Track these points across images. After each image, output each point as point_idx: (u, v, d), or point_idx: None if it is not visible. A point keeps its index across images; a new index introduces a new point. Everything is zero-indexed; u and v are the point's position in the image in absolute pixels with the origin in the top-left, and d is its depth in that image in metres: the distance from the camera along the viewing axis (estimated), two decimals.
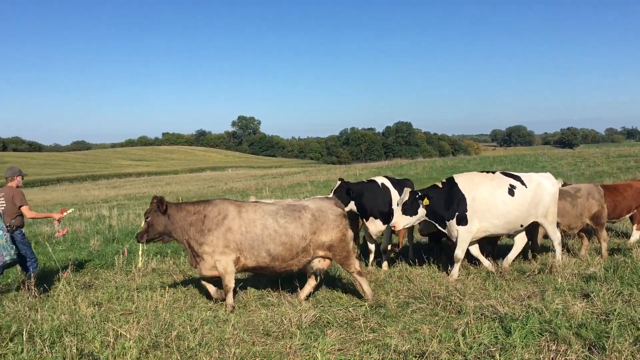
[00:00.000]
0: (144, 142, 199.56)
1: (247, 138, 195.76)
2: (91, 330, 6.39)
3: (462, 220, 9.01)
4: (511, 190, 9.07)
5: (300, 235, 7.64)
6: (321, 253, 7.84)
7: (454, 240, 9.17)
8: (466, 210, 8.97)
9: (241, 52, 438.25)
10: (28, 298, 8.25)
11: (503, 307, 6.74)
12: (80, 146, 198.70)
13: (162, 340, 5.99)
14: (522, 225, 9.37)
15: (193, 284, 8.91)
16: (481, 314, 6.65)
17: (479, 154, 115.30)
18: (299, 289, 8.06)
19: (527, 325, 5.96)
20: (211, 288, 8.01)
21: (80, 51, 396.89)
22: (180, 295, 8.29)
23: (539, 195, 9.28)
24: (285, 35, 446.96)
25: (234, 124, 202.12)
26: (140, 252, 11.32)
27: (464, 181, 9.19)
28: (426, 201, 9.02)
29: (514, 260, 9.54)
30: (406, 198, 9.02)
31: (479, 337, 5.85)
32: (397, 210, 9.13)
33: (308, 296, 8.02)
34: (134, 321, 6.38)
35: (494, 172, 9.49)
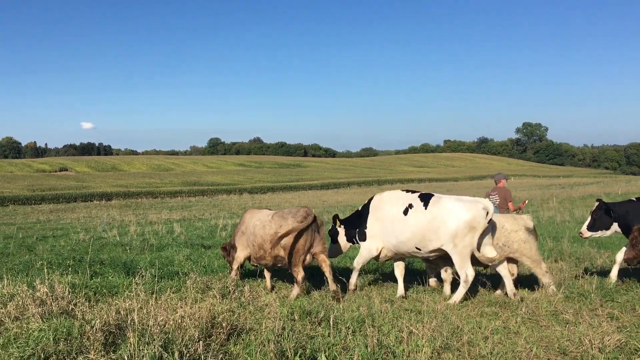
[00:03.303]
0: (425, 149, 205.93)
1: (532, 145, 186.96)
2: (386, 324, 6.80)
3: (361, 237, 9.29)
4: (406, 210, 8.72)
5: (259, 235, 9.03)
6: (282, 253, 8.72)
7: None
8: (365, 228, 9.18)
9: (522, 55, 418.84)
10: (331, 290, 9.15)
11: None
12: (367, 152, 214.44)
13: (453, 343, 6.07)
14: (418, 249, 8.71)
15: (480, 295, 8.86)
16: None
17: None
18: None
19: None
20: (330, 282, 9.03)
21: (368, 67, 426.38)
22: (467, 302, 8.32)
23: (439, 219, 8.41)
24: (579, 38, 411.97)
25: (518, 130, 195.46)
26: None
27: (378, 199, 9.21)
28: (337, 223, 9.59)
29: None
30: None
31: None
32: None
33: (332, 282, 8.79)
34: (426, 321, 6.59)
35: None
